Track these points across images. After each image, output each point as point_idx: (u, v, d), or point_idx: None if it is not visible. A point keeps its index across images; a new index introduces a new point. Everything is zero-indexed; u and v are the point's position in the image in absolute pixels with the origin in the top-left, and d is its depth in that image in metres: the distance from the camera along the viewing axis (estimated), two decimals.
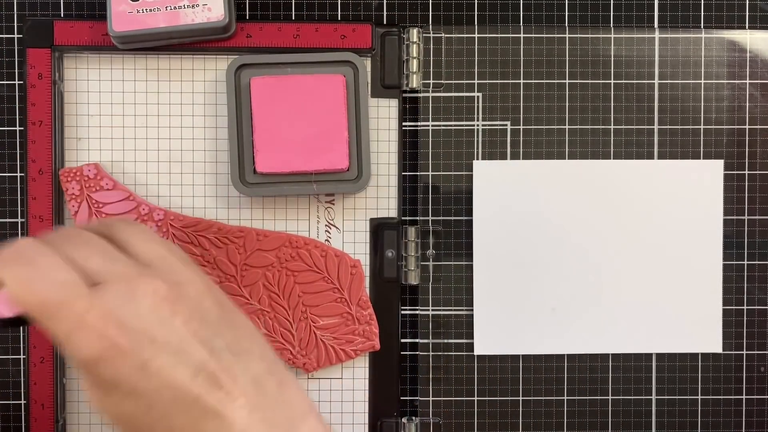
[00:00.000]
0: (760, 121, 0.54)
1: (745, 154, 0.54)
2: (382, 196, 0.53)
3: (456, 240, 0.53)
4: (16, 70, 0.52)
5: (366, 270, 0.53)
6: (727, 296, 0.54)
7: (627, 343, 0.54)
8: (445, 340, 0.54)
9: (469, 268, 0.53)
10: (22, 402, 0.53)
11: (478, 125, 0.53)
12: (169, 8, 0.49)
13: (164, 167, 0.53)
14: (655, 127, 0.54)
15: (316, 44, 0.52)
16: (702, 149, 0.54)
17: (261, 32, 0.52)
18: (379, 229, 0.53)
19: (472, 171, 0.53)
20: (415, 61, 0.53)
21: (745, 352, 0.54)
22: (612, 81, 0.53)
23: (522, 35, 0.53)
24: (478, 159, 0.53)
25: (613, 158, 0.53)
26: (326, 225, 0.53)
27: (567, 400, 0.54)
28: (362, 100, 0.51)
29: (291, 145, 0.50)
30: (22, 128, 0.52)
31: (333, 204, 0.53)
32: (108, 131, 0.53)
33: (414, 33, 0.53)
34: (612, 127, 0.54)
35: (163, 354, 0.35)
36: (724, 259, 0.54)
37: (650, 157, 0.54)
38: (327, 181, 0.51)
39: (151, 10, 0.49)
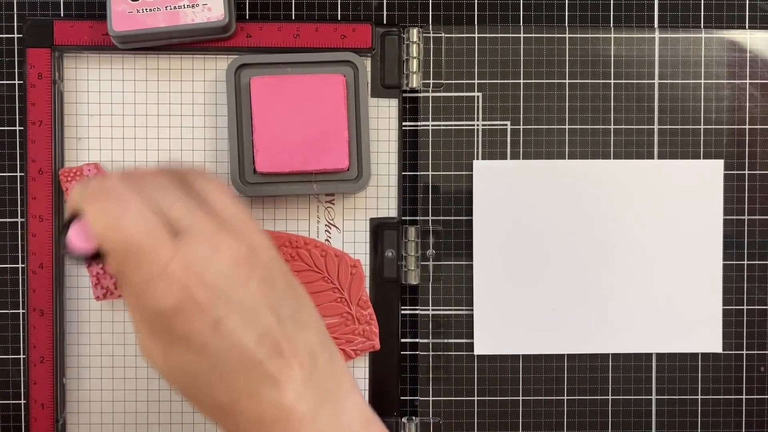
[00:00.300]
0: (760, 121, 0.54)
1: (745, 154, 0.54)
2: (382, 196, 0.53)
3: (456, 240, 0.53)
4: (16, 70, 0.52)
5: (366, 270, 0.53)
6: (727, 296, 0.54)
7: (627, 343, 0.54)
8: (445, 340, 0.54)
9: (469, 268, 0.53)
10: (22, 402, 0.53)
11: (478, 125, 0.53)
12: (168, 8, 0.49)
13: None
14: (655, 127, 0.54)
15: (316, 44, 0.52)
16: (702, 149, 0.54)
17: (261, 32, 0.52)
18: (379, 229, 0.53)
19: (472, 171, 0.53)
20: (415, 61, 0.53)
21: (745, 352, 0.54)
22: (612, 81, 0.53)
23: (522, 35, 0.53)
24: (478, 159, 0.53)
25: (613, 158, 0.53)
26: (326, 225, 0.53)
27: (567, 400, 0.54)
28: (362, 100, 0.51)
29: (291, 145, 0.50)
30: (22, 128, 0.52)
31: (333, 204, 0.53)
32: (108, 131, 0.53)
33: (414, 33, 0.53)
34: (612, 127, 0.53)
35: (236, 314, 0.35)
36: (724, 259, 0.54)
37: (650, 157, 0.54)
38: (327, 181, 0.51)
39: (151, 10, 0.49)
